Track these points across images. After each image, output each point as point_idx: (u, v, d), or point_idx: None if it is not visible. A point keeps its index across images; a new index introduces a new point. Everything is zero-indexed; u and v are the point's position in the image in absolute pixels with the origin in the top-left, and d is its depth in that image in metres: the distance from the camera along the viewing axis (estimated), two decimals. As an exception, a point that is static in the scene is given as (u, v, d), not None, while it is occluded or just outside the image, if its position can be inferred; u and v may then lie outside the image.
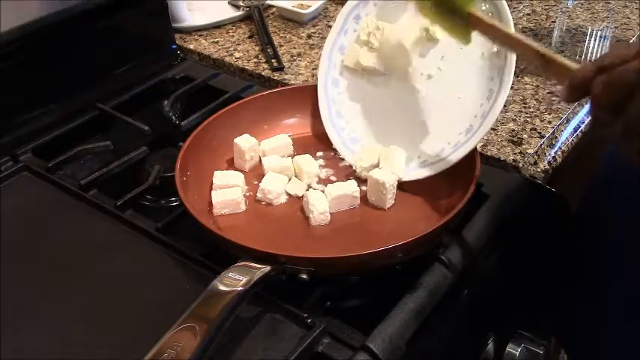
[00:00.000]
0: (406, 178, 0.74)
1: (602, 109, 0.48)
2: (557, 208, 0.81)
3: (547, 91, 0.92)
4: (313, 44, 1.06)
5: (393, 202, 0.73)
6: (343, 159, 0.80)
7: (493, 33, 0.64)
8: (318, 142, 0.83)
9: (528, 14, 1.12)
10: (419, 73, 0.77)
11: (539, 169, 0.80)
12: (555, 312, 0.88)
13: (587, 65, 0.50)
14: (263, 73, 0.99)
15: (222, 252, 0.65)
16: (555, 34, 1.07)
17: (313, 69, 0.99)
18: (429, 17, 0.71)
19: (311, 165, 0.76)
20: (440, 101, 0.76)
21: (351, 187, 0.73)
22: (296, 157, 0.78)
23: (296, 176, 0.77)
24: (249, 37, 1.09)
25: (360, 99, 0.82)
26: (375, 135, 0.81)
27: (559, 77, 0.55)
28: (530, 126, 0.86)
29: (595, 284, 0.82)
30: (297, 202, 0.74)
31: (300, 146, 0.81)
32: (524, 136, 0.84)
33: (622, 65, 0.47)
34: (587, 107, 0.92)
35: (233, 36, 1.10)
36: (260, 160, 0.79)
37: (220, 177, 0.75)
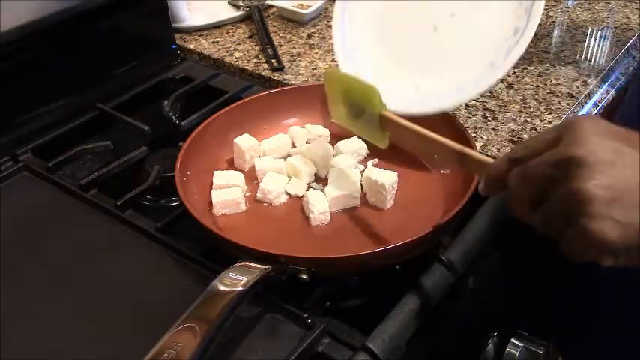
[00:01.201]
0: (415, 110, 0.71)
1: (519, 204, 0.48)
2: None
3: (547, 91, 0.93)
4: (313, 44, 1.06)
5: (393, 202, 0.73)
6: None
7: (407, 134, 0.64)
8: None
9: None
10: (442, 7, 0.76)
11: (539, 169, 0.80)
12: (555, 312, 0.88)
13: (501, 160, 0.50)
14: (263, 73, 0.99)
15: (222, 252, 0.65)
16: (555, 34, 1.07)
17: (313, 69, 0.99)
18: (345, 124, 0.72)
19: (306, 164, 0.76)
20: (461, 34, 0.75)
21: (351, 188, 0.73)
22: (289, 159, 0.78)
23: (293, 176, 0.77)
24: (249, 37, 1.09)
25: (376, 14, 0.81)
26: (385, 54, 0.78)
27: (477, 172, 0.56)
28: (530, 126, 0.86)
29: (595, 284, 0.82)
30: (297, 202, 0.74)
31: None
32: (524, 136, 0.84)
33: (534, 158, 0.47)
34: (585, 108, 0.92)
35: (233, 36, 1.10)
36: (259, 161, 0.79)
37: (220, 177, 0.75)
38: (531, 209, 0.48)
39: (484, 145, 0.82)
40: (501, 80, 0.94)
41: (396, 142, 0.68)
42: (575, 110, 0.89)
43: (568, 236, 0.45)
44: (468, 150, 0.57)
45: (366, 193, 0.74)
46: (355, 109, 0.70)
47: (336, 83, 0.72)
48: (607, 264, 0.45)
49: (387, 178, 0.72)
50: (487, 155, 0.80)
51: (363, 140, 0.79)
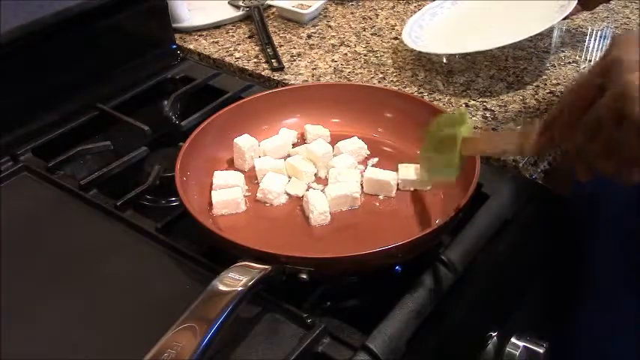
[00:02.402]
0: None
1: (590, 157, 0.49)
2: (556, 208, 0.81)
3: (547, 91, 0.92)
4: (313, 44, 1.06)
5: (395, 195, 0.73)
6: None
7: (481, 145, 0.66)
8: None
9: None
10: None
11: (539, 170, 0.80)
12: (554, 312, 0.88)
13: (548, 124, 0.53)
14: (263, 73, 0.99)
15: (222, 252, 0.65)
16: (555, 34, 1.07)
17: (313, 69, 0.99)
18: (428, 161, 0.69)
19: (306, 164, 0.76)
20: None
21: (351, 188, 0.73)
22: (289, 159, 0.78)
23: (293, 176, 0.77)
24: (249, 37, 1.09)
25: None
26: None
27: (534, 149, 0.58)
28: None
29: (594, 285, 0.82)
30: (297, 202, 0.74)
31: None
32: (524, 136, 0.84)
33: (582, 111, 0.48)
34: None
35: (233, 36, 1.10)
36: (259, 161, 0.79)
37: (220, 177, 0.75)
38: (603, 157, 0.48)
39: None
40: (501, 80, 0.94)
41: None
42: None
43: None
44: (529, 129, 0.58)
45: (366, 194, 0.74)
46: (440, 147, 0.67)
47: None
48: None
49: (390, 175, 0.72)
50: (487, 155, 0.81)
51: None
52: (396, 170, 0.75)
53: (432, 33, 1.02)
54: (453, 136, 0.64)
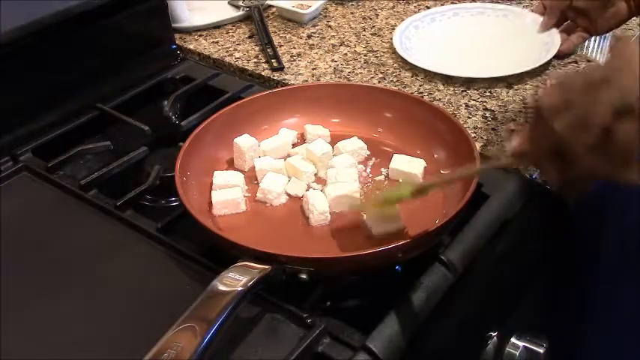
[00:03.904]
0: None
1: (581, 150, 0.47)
2: (556, 209, 0.81)
3: (547, 91, 0.92)
4: (313, 44, 1.06)
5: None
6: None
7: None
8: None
9: (526, 7, 1.12)
10: None
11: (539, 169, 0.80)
12: (554, 312, 0.88)
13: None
14: (263, 73, 0.99)
15: (222, 252, 0.65)
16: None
17: (313, 69, 0.99)
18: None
19: (305, 164, 0.76)
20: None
21: (351, 188, 0.72)
22: (288, 159, 0.78)
23: (293, 176, 0.77)
24: (249, 37, 1.09)
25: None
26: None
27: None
28: (530, 126, 0.86)
29: (595, 284, 0.82)
30: (297, 202, 0.74)
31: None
32: (524, 136, 0.84)
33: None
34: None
35: (233, 36, 1.10)
36: (259, 161, 0.79)
37: (220, 177, 0.75)
38: (592, 151, 0.46)
39: (484, 145, 0.82)
40: (501, 80, 0.94)
41: None
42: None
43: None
44: (490, 164, 0.57)
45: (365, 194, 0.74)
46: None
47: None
48: None
49: (416, 166, 0.74)
50: (487, 155, 0.81)
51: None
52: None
53: (424, 41, 1.04)
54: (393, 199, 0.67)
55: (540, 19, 1.01)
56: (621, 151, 0.44)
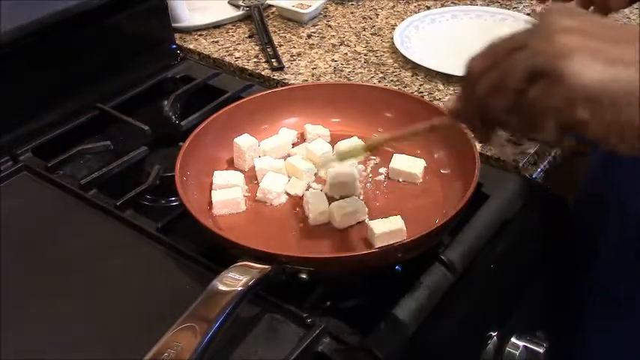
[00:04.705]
0: None
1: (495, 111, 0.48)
2: (556, 208, 0.81)
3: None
4: (313, 44, 1.06)
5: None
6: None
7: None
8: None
9: (528, 14, 1.12)
10: None
11: (539, 169, 0.80)
12: (554, 312, 0.88)
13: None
14: (263, 73, 0.99)
15: (222, 252, 0.65)
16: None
17: (313, 69, 0.99)
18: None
19: (305, 164, 0.76)
20: None
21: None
22: (288, 159, 0.78)
23: (293, 176, 0.77)
24: (249, 36, 1.09)
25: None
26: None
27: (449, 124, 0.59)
28: (530, 126, 0.86)
29: (595, 285, 0.82)
30: (297, 201, 0.74)
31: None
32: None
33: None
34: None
35: (233, 36, 1.10)
36: (259, 161, 0.79)
37: (220, 177, 0.75)
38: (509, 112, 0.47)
39: (484, 145, 0.82)
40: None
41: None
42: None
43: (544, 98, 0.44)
44: (434, 122, 0.60)
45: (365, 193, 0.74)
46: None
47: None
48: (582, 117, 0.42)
49: (416, 166, 0.74)
50: (487, 155, 0.81)
51: None
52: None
53: (424, 41, 1.04)
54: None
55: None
56: (533, 113, 0.45)
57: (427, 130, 0.62)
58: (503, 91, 0.46)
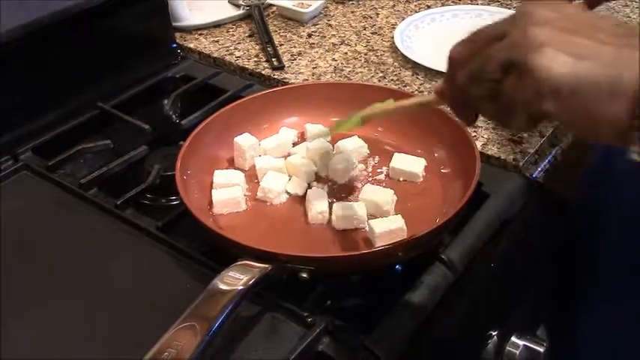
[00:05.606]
0: None
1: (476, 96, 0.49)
2: (556, 209, 0.81)
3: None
4: (313, 43, 1.06)
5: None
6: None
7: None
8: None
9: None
10: None
11: (539, 169, 0.80)
12: (554, 312, 0.88)
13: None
14: (263, 72, 0.99)
15: (222, 251, 0.65)
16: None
17: (313, 68, 0.99)
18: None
19: (306, 163, 0.76)
20: None
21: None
22: (289, 158, 0.78)
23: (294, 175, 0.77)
24: (250, 36, 1.09)
25: None
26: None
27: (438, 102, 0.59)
28: (530, 125, 0.86)
29: (595, 284, 0.82)
30: (297, 201, 0.74)
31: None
32: (525, 135, 0.84)
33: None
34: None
35: (233, 35, 1.10)
36: (260, 160, 0.79)
37: (220, 176, 0.75)
38: (486, 100, 0.48)
39: (484, 145, 0.82)
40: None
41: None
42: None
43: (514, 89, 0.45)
44: (422, 100, 0.62)
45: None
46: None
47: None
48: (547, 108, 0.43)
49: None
50: (487, 154, 0.81)
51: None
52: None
53: (424, 41, 1.05)
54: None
55: None
56: (507, 103, 0.46)
57: (415, 105, 0.65)
58: (480, 80, 0.47)
